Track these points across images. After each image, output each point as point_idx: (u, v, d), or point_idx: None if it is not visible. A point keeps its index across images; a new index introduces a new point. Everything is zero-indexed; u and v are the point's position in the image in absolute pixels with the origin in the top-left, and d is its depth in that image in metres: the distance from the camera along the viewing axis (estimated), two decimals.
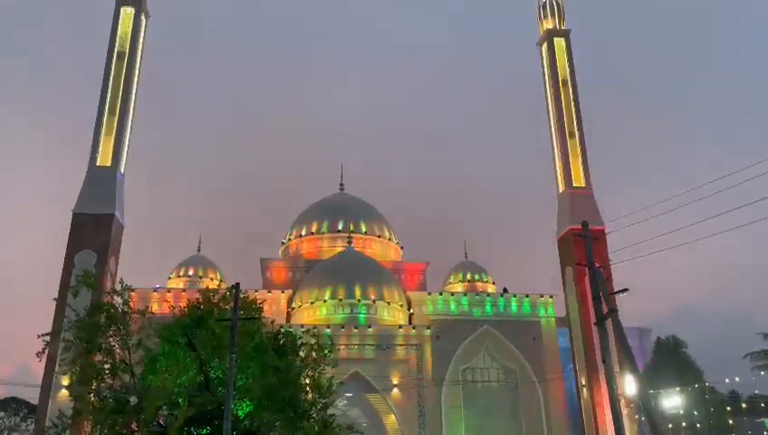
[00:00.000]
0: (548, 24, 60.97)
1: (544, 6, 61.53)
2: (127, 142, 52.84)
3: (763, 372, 45.93)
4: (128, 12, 55.09)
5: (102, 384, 25.71)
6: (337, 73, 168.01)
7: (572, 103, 57.70)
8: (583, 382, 50.55)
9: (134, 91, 54.35)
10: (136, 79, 54.66)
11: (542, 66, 60.77)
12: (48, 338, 26.52)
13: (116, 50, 53.83)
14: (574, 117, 57.24)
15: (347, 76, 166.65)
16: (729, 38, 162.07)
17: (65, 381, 37.46)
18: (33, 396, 42.72)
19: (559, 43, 59.90)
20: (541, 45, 61.30)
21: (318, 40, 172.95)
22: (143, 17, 56.13)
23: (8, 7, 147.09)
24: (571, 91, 58.10)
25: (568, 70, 58.92)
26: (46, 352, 26.27)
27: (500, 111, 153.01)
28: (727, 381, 48.99)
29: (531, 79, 66.50)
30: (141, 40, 55.82)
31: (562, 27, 60.86)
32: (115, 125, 51.77)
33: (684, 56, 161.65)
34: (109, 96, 52.54)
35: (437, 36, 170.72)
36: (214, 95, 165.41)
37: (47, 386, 42.94)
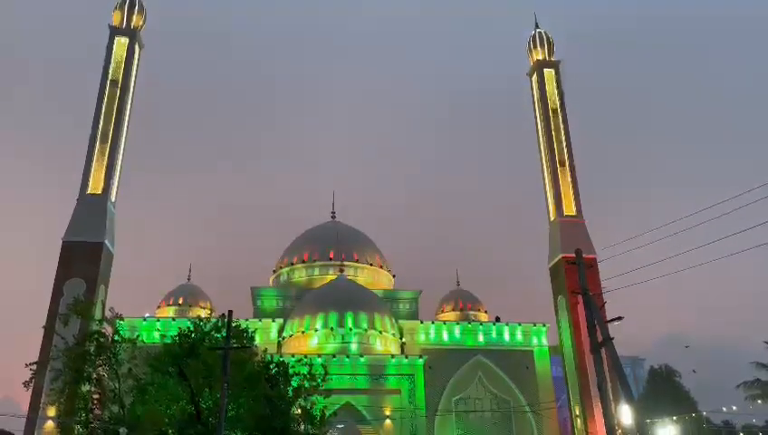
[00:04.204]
0: (538, 56, 61.95)
1: (534, 38, 62.65)
2: (118, 170, 52.76)
3: (760, 401, 45.55)
4: (122, 42, 55.60)
5: (91, 415, 25.21)
6: (330, 100, 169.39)
7: (563, 132, 58.30)
8: (577, 412, 50.11)
9: (126, 120, 54.49)
10: (129, 107, 54.85)
11: (533, 96, 61.59)
12: (35, 367, 26.08)
13: (109, 78, 54.11)
14: (565, 146, 57.80)
15: (341, 103, 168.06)
16: (721, 66, 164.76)
17: (51, 412, 36.72)
18: (17, 428, 41.55)
19: (549, 73, 60.81)
20: (531, 76, 62.20)
21: (313, 65, 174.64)
22: (137, 47, 56.62)
23: None
24: (561, 120, 58.76)
25: (558, 100, 59.70)
26: (33, 381, 25.82)
27: (493, 140, 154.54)
28: (724, 410, 48.57)
29: (524, 108, 67.32)
30: (135, 69, 56.25)
31: (552, 58, 61.87)
32: (107, 153, 51.69)
33: (676, 83, 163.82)
34: (101, 124, 52.60)
35: (430, 65, 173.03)
36: (205, 122, 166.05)
37: (33, 418, 41.93)
